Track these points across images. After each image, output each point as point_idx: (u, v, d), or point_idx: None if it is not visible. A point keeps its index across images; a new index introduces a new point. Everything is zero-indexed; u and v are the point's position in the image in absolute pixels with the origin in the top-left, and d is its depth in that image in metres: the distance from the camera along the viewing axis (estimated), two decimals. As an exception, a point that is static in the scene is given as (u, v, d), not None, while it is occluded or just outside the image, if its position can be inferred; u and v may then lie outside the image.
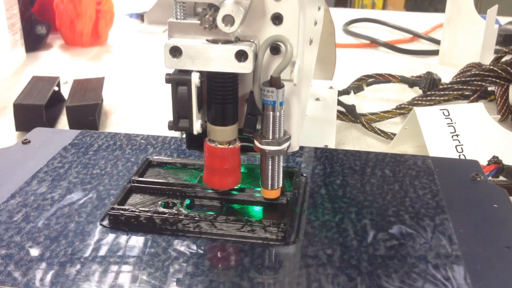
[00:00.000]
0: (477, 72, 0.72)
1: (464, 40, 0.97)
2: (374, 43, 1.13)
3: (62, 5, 1.03)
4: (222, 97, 0.37)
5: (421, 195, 0.45)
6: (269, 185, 0.39)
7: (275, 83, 0.36)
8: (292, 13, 0.36)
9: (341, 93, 0.79)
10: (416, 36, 1.18)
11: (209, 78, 0.37)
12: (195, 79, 0.35)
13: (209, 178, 0.39)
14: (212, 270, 0.36)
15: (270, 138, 0.37)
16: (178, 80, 0.35)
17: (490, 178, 0.53)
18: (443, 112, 0.64)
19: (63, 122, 0.74)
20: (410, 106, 0.73)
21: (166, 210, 0.40)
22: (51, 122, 0.73)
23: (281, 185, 0.40)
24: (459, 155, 0.59)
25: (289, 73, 0.36)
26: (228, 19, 0.33)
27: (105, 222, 0.40)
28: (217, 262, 0.37)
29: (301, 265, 0.36)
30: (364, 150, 0.52)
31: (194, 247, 0.38)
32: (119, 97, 0.83)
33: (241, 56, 0.34)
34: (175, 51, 0.35)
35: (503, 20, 1.17)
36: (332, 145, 0.60)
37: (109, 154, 0.52)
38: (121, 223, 0.40)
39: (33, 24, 1.04)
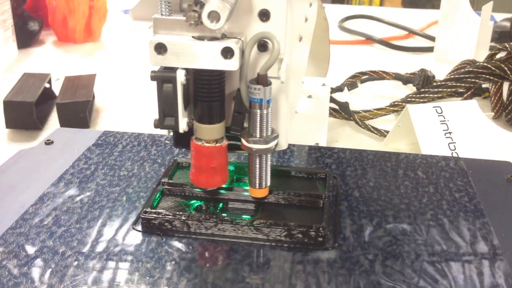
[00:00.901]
0: (471, 69, 0.71)
1: (459, 37, 0.96)
2: (369, 39, 1.12)
3: (54, 1, 1.02)
4: (209, 95, 0.36)
5: (458, 198, 0.44)
6: (257, 184, 0.39)
7: (262, 80, 0.35)
8: (279, 10, 0.35)
9: (334, 90, 0.78)
10: (412, 32, 1.17)
11: (195, 75, 0.36)
12: (180, 76, 0.35)
13: (196, 177, 0.38)
14: (252, 276, 0.35)
15: (258, 136, 0.37)
16: (163, 77, 0.35)
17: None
18: (436, 110, 0.63)
19: (54, 119, 0.73)
20: (404, 104, 0.72)
21: (200, 214, 0.39)
22: (42, 119, 0.72)
23: (269, 184, 0.39)
24: (452, 153, 0.59)
25: (277, 71, 0.36)
26: (214, 16, 0.32)
27: (138, 226, 0.40)
28: (257, 268, 0.36)
29: (343, 271, 0.35)
30: (394, 152, 0.52)
31: (231, 252, 0.37)
32: (112, 94, 0.82)
33: (227, 53, 0.34)
34: (160, 48, 0.34)
35: (499, 16, 1.16)
36: (323, 143, 0.60)
37: (134, 155, 0.51)
38: (154, 227, 0.39)
39: (26, 20, 1.03)
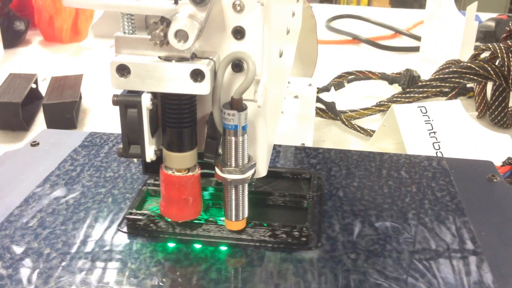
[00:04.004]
0: (455, 69, 0.68)
1: (445, 37, 0.91)
2: (356, 39, 1.07)
3: (41, 1, 0.96)
4: (178, 121, 0.30)
5: (440, 197, 0.42)
6: (233, 216, 0.33)
7: (237, 105, 0.29)
8: (255, 27, 0.29)
9: (321, 90, 0.74)
10: (398, 32, 1.12)
11: (163, 99, 0.30)
12: (145, 101, 0.29)
13: (166, 209, 0.33)
14: (236, 276, 0.33)
15: (233, 165, 0.31)
16: (127, 102, 0.29)
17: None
18: (420, 110, 0.61)
19: (40, 120, 0.69)
20: (390, 103, 0.69)
21: None
22: (28, 120, 0.68)
23: (246, 216, 0.34)
24: (436, 152, 0.57)
25: (253, 93, 0.30)
26: (181, 35, 0.27)
27: (124, 228, 0.37)
28: (241, 268, 0.33)
29: (326, 270, 0.33)
30: (378, 152, 0.50)
31: (216, 252, 0.35)
32: (99, 94, 0.77)
33: (197, 75, 0.28)
34: (123, 70, 0.28)
35: (484, 16, 1.10)
36: (309, 143, 0.56)
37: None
38: (140, 228, 0.36)
39: (12, 20, 0.97)
